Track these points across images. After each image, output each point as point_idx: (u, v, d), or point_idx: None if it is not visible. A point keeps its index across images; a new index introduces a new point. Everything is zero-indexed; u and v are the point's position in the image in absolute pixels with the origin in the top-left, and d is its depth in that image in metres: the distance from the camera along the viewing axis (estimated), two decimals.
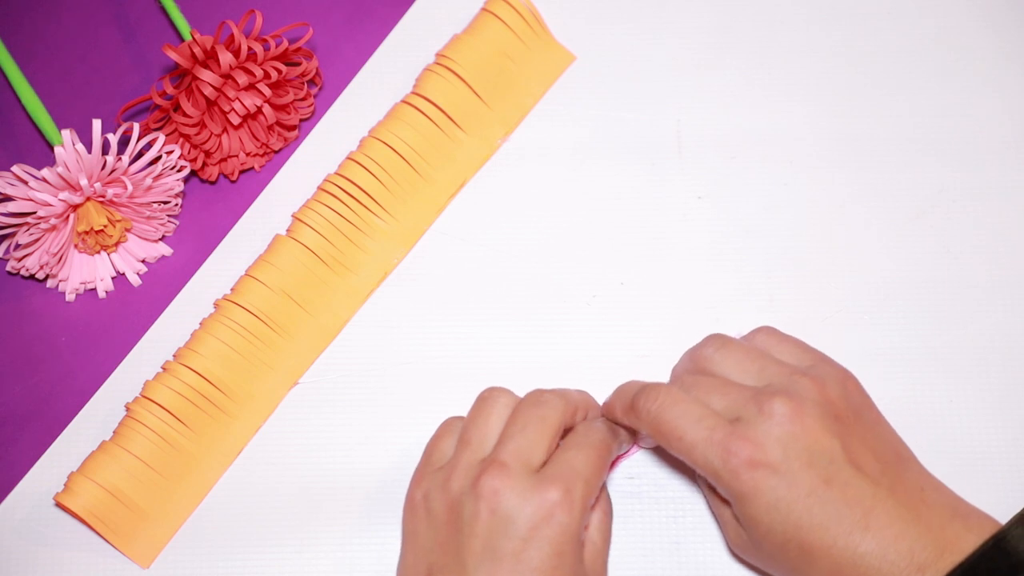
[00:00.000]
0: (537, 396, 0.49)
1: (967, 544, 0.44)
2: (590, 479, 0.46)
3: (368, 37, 0.61)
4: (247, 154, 0.58)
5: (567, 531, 0.45)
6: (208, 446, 0.54)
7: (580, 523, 0.46)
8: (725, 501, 0.48)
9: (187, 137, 0.55)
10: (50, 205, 0.52)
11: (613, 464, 0.53)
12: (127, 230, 0.56)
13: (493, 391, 0.50)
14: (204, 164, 0.57)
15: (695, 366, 0.50)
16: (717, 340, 0.49)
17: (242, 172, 0.59)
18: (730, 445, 0.45)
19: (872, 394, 0.49)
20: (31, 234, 0.53)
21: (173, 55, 0.53)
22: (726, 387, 0.47)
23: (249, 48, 0.54)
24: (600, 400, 0.52)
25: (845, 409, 0.46)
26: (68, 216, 0.54)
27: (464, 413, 0.51)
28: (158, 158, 0.54)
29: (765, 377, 0.47)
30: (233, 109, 0.55)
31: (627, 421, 0.49)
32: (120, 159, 0.53)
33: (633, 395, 0.48)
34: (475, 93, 0.58)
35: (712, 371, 0.49)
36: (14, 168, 0.52)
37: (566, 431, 0.49)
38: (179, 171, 0.55)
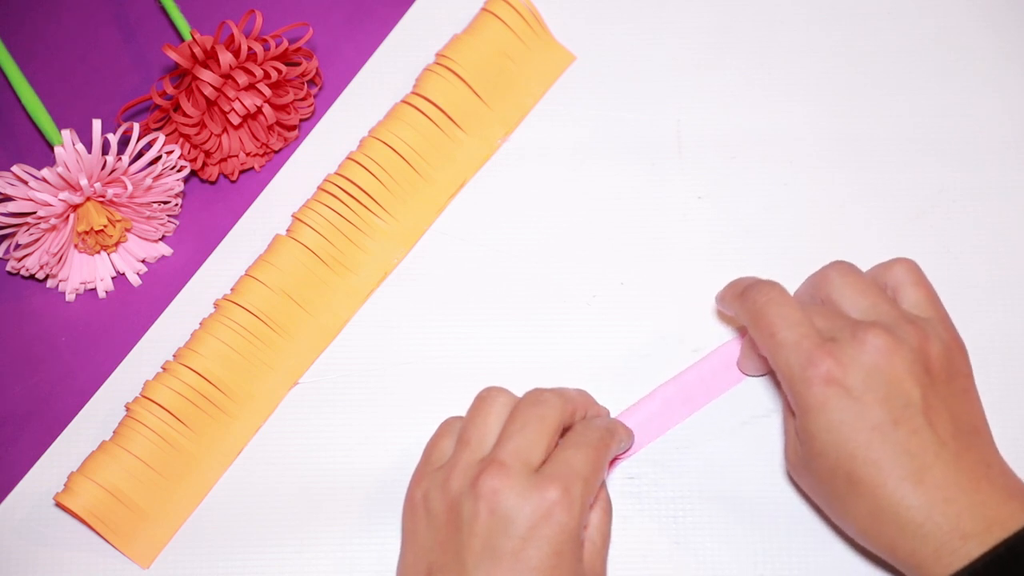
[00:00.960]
0: (536, 395, 0.49)
1: (1018, 524, 0.43)
2: (589, 478, 0.46)
3: (368, 37, 0.61)
4: (247, 154, 0.58)
5: (566, 530, 0.45)
6: (208, 446, 0.54)
7: (579, 522, 0.46)
8: (793, 414, 0.48)
9: (187, 137, 0.55)
10: (50, 205, 0.52)
11: (612, 463, 0.53)
12: (127, 230, 0.56)
13: (491, 391, 0.50)
14: (204, 164, 0.57)
15: (815, 287, 0.49)
16: (843, 267, 0.49)
17: (242, 172, 0.59)
18: (814, 354, 0.45)
19: None
20: (31, 234, 0.53)
21: (173, 55, 0.53)
22: (832, 313, 0.47)
23: (249, 48, 0.54)
24: (600, 400, 0.52)
25: (940, 367, 0.46)
26: (68, 216, 0.54)
27: (464, 413, 0.51)
28: (158, 158, 0.54)
29: (874, 315, 0.47)
30: (233, 109, 0.55)
31: (732, 308, 0.50)
32: (120, 159, 0.53)
33: (747, 285, 0.49)
34: (475, 93, 0.58)
35: (828, 295, 0.48)
36: (14, 168, 0.52)
37: (565, 429, 0.49)
38: (179, 171, 0.55)
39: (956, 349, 0.48)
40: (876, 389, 0.45)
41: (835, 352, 0.45)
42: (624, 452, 0.52)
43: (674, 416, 0.53)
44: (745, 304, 0.49)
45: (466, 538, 0.45)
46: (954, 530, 0.43)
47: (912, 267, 0.49)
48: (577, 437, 0.48)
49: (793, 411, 0.47)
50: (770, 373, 0.53)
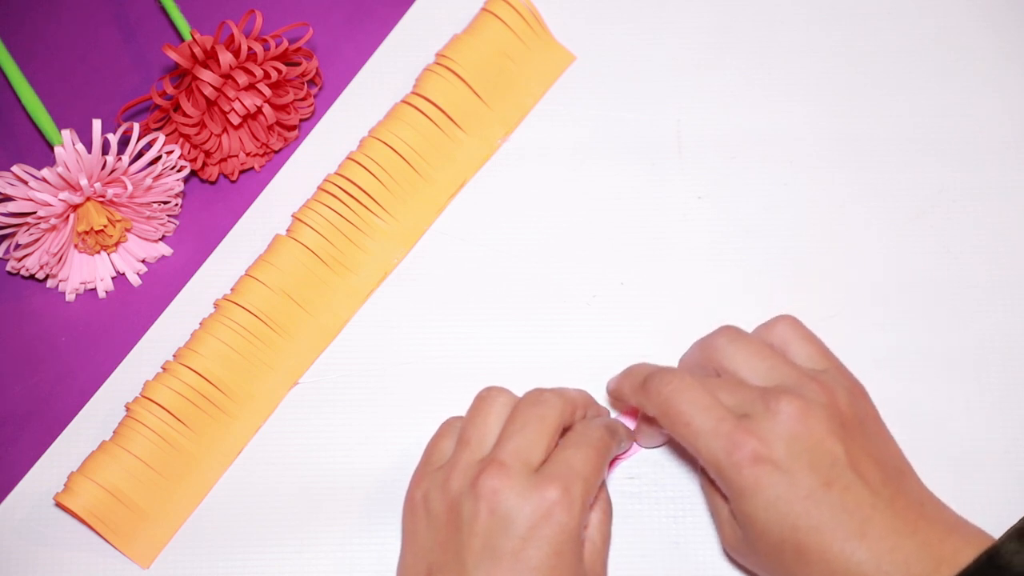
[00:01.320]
0: (536, 395, 0.49)
1: (964, 558, 0.43)
2: (589, 478, 0.46)
3: (368, 37, 0.61)
4: (247, 154, 0.58)
5: (566, 530, 0.45)
6: (208, 446, 0.54)
7: (579, 522, 0.46)
8: (724, 498, 0.48)
9: (187, 137, 0.55)
10: (50, 205, 0.52)
11: (612, 463, 0.53)
12: (127, 230, 0.56)
13: (491, 390, 0.50)
14: (204, 164, 0.57)
15: (704, 357, 0.49)
16: (730, 333, 0.49)
17: (242, 172, 0.59)
18: (735, 438, 0.45)
19: (872, 394, 0.49)
20: (31, 234, 0.53)
21: (173, 55, 0.53)
22: (735, 386, 0.47)
23: (249, 48, 0.54)
24: (600, 400, 0.52)
25: (852, 417, 0.46)
26: (68, 216, 0.54)
27: (464, 414, 0.51)
28: (158, 158, 0.54)
29: (775, 377, 0.47)
30: (233, 109, 0.55)
31: (635, 401, 0.49)
32: (120, 159, 0.53)
33: (646, 376, 0.48)
34: (475, 93, 0.58)
35: (722, 364, 0.48)
36: (14, 168, 0.52)
37: (565, 429, 0.49)
38: (179, 171, 0.55)
39: (858, 391, 0.48)
40: (801, 456, 0.45)
41: (753, 429, 0.45)
42: (624, 452, 0.52)
43: None
44: (650, 396, 0.48)
45: (466, 538, 0.45)
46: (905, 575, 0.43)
47: (794, 323, 0.49)
48: (577, 437, 0.48)
49: (723, 495, 0.48)
50: (670, 443, 0.53)
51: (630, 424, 0.52)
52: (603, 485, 0.49)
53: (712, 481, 0.48)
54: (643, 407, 0.49)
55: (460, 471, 0.47)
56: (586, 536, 0.48)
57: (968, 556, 0.43)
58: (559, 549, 0.45)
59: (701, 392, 0.47)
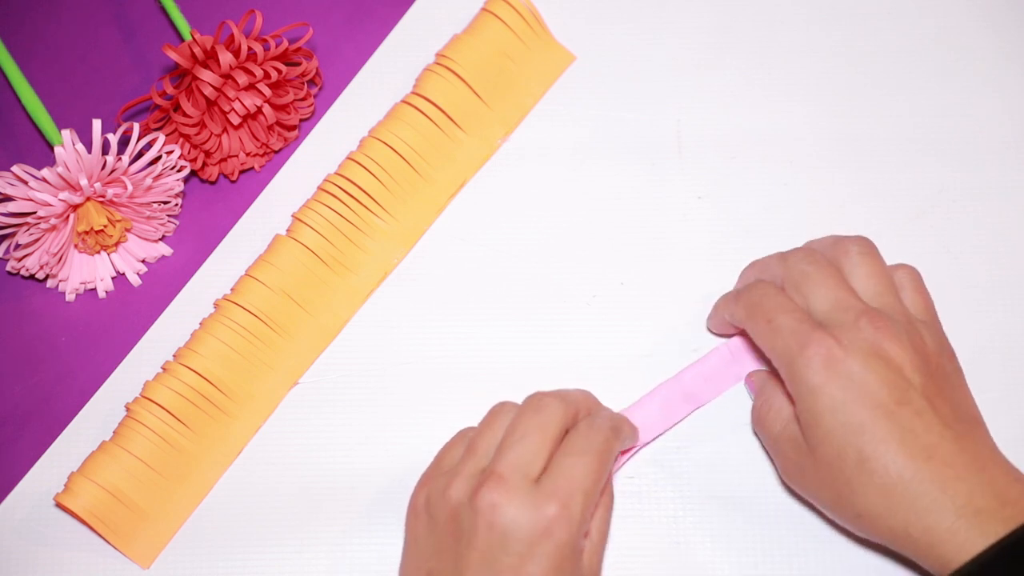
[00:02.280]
0: (537, 402, 0.48)
1: None
2: (589, 490, 0.46)
3: (368, 37, 0.61)
4: (247, 154, 0.58)
5: (566, 547, 0.45)
6: (208, 446, 0.54)
7: (579, 535, 0.45)
8: (792, 401, 0.48)
9: (187, 137, 0.55)
10: (50, 205, 0.52)
11: (621, 454, 0.52)
12: (127, 230, 0.56)
13: (505, 404, 0.49)
14: (204, 164, 0.57)
15: (834, 252, 0.49)
16: (863, 246, 0.49)
17: (242, 172, 0.59)
18: (813, 336, 0.45)
19: None
20: (31, 234, 0.53)
21: (173, 55, 0.53)
22: (842, 288, 0.47)
23: (249, 48, 0.54)
24: (601, 399, 0.52)
25: (937, 363, 0.47)
26: (68, 216, 0.54)
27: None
28: (158, 158, 0.54)
29: (879, 303, 0.47)
30: (233, 109, 0.55)
31: (727, 311, 0.51)
32: (120, 159, 0.53)
33: (741, 288, 0.50)
34: (475, 93, 0.58)
35: (842, 265, 0.49)
36: (14, 168, 0.52)
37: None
38: (179, 171, 0.55)
39: (950, 352, 0.48)
40: (877, 371, 0.45)
41: (835, 334, 0.46)
42: (631, 449, 0.52)
43: (675, 414, 0.53)
44: (740, 302, 0.49)
45: (464, 550, 0.45)
46: (967, 506, 0.43)
47: (916, 275, 0.50)
48: (580, 442, 0.47)
49: (792, 399, 0.47)
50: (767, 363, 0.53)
51: (636, 418, 0.52)
52: (609, 479, 0.49)
53: (782, 383, 0.48)
54: (734, 317, 0.50)
55: (462, 480, 0.46)
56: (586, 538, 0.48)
57: None
58: (558, 565, 0.45)
59: (788, 298, 0.48)
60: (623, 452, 0.52)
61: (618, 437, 0.49)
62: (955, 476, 0.44)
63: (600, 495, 0.48)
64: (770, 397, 0.50)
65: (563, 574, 0.45)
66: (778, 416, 0.49)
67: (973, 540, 0.43)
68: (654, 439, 0.53)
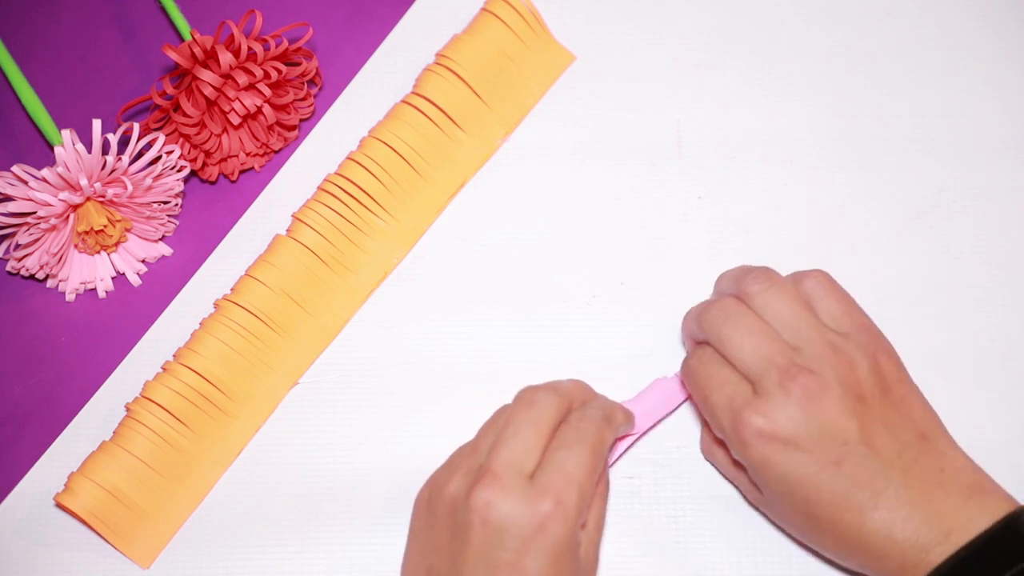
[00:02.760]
0: (529, 396, 0.48)
1: (978, 526, 0.44)
2: (583, 483, 0.46)
3: (368, 37, 0.61)
4: (247, 154, 0.58)
5: (562, 541, 0.45)
6: (208, 446, 0.54)
7: (575, 528, 0.45)
8: (739, 465, 0.49)
9: (187, 137, 0.55)
10: (50, 205, 0.52)
11: (616, 444, 0.52)
12: (127, 230, 0.56)
13: (507, 407, 0.49)
14: (204, 164, 0.57)
15: (738, 290, 0.50)
16: (764, 278, 0.49)
17: (242, 172, 0.59)
18: (744, 415, 0.46)
19: None
20: (31, 234, 0.53)
21: (173, 55, 0.53)
22: (762, 337, 0.47)
23: (249, 48, 0.54)
24: (597, 389, 0.52)
25: (871, 388, 0.47)
26: (68, 216, 0.54)
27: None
28: (158, 158, 0.54)
29: (799, 339, 0.47)
30: (233, 109, 0.55)
31: (688, 333, 0.52)
32: (120, 159, 0.53)
33: (690, 349, 0.51)
34: (475, 93, 0.58)
35: (751, 304, 0.49)
36: (14, 168, 0.52)
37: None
38: (179, 171, 0.55)
39: (884, 359, 0.48)
40: (811, 435, 0.46)
41: (762, 407, 0.46)
42: (627, 436, 0.52)
43: (672, 400, 0.53)
44: (684, 373, 0.51)
45: (461, 546, 0.45)
46: (914, 546, 0.45)
47: (824, 278, 0.50)
48: (571, 434, 0.47)
49: (740, 464, 0.49)
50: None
51: (635, 406, 0.52)
52: (603, 470, 0.49)
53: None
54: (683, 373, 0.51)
55: (459, 476, 0.47)
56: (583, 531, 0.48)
57: (982, 524, 0.44)
58: (556, 559, 0.45)
59: (719, 367, 0.48)
60: (620, 438, 0.52)
61: (611, 426, 0.49)
62: (902, 519, 0.45)
63: (595, 486, 0.48)
64: (715, 444, 0.52)
65: (561, 568, 0.45)
66: (725, 462, 0.52)
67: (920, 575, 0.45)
68: (654, 426, 0.53)
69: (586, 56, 0.60)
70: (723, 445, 0.51)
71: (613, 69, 0.60)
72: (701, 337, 0.50)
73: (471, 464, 0.47)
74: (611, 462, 0.52)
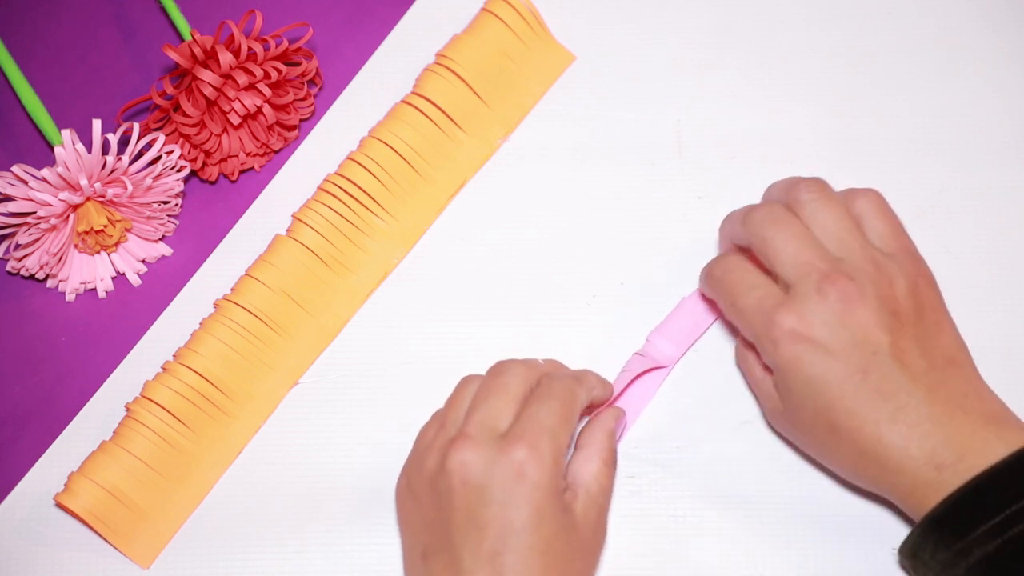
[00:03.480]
0: (499, 366, 0.49)
1: (992, 452, 0.44)
2: (556, 430, 0.46)
3: (368, 37, 0.61)
4: (247, 154, 0.58)
5: (541, 486, 0.45)
6: (208, 446, 0.54)
7: (554, 475, 0.46)
8: (768, 369, 0.49)
9: (187, 137, 0.55)
10: (50, 205, 0.52)
11: (619, 423, 0.52)
12: (127, 230, 0.56)
13: (469, 377, 0.50)
14: (204, 164, 0.57)
15: (789, 199, 0.49)
16: (816, 189, 0.49)
17: (242, 172, 0.59)
18: (777, 315, 0.47)
19: None
20: (31, 234, 0.53)
21: (173, 55, 0.53)
22: (805, 241, 0.48)
23: (249, 48, 0.54)
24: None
25: (907, 308, 0.47)
26: (68, 216, 0.54)
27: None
28: (158, 158, 0.54)
29: (842, 249, 0.48)
30: (233, 109, 0.55)
31: (703, 288, 0.52)
32: (120, 159, 0.53)
33: (710, 263, 0.51)
34: (475, 93, 0.58)
35: (800, 214, 0.49)
36: (14, 168, 0.52)
37: None
38: (179, 171, 0.55)
39: (923, 284, 0.48)
40: (842, 341, 0.46)
41: (796, 307, 0.46)
42: (663, 367, 0.53)
43: (705, 319, 0.54)
44: (708, 282, 0.51)
45: (448, 515, 0.46)
46: (928, 463, 0.45)
47: (877, 199, 0.50)
48: (541, 391, 0.48)
49: (767, 367, 0.49)
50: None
51: (665, 331, 0.53)
52: (608, 435, 0.49)
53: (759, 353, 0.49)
54: (703, 287, 0.52)
55: (434, 451, 0.47)
56: (580, 486, 0.48)
57: (998, 452, 0.44)
58: (538, 506, 0.45)
59: (748, 273, 0.49)
60: (620, 423, 0.52)
61: (582, 384, 0.49)
62: (921, 435, 0.45)
63: (569, 439, 0.48)
64: (752, 372, 0.52)
65: (547, 518, 0.45)
66: (754, 366, 0.51)
67: (930, 497, 0.45)
68: (693, 344, 0.54)
69: (586, 56, 0.60)
70: (755, 349, 0.50)
71: (613, 69, 0.60)
72: (742, 238, 0.50)
73: (442, 439, 0.48)
74: (619, 436, 0.52)
